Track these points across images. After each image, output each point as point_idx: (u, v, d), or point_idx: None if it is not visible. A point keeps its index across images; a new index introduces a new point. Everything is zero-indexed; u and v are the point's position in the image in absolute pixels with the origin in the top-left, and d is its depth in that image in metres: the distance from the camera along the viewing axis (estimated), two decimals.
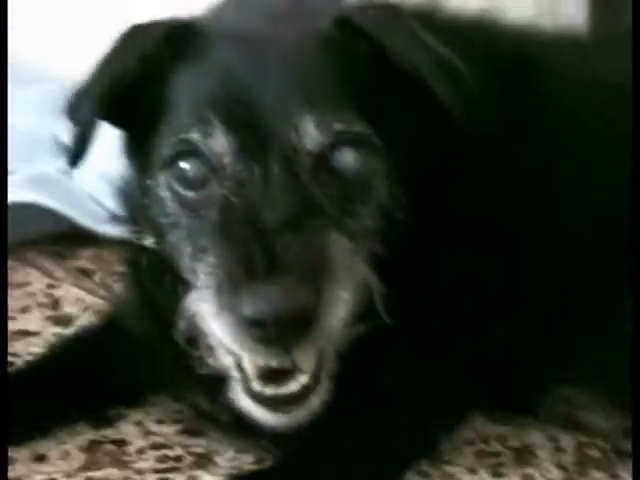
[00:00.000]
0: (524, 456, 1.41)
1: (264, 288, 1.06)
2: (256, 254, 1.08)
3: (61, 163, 2.23)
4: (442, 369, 1.37)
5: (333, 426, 1.32)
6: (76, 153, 1.25)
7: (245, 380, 1.17)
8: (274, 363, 1.13)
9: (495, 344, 1.40)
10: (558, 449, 1.42)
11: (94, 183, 2.11)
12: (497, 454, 1.41)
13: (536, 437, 1.45)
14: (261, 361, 1.14)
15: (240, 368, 1.18)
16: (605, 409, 1.47)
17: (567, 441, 1.44)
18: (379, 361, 1.30)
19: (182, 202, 1.20)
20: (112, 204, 1.94)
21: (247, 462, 1.39)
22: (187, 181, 1.19)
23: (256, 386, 1.16)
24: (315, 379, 1.17)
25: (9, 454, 1.37)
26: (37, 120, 2.38)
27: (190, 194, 1.19)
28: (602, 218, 1.41)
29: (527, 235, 1.39)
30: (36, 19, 2.70)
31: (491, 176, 1.37)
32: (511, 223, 1.38)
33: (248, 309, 1.06)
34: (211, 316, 1.12)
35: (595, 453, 1.42)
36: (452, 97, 1.21)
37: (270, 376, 1.15)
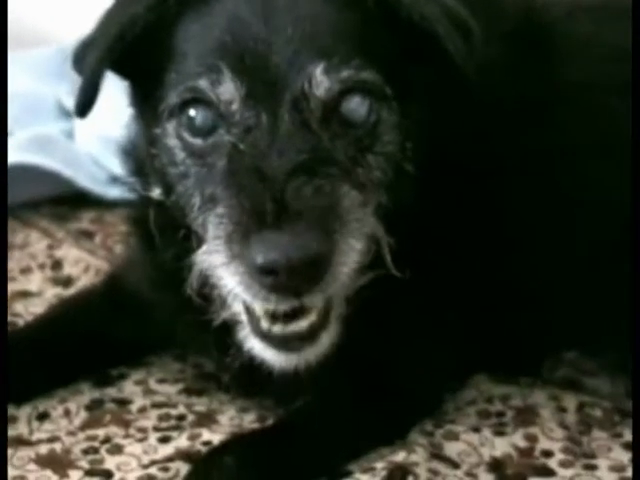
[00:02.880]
0: (527, 416, 1.40)
1: (274, 236, 1.05)
2: (265, 202, 1.07)
3: (62, 125, 2.23)
4: (446, 327, 1.36)
5: (335, 385, 1.32)
6: (84, 103, 1.23)
7: (254, 321, 1.16)
8: (284, 308, 1.12)
9: (501, 305, 1.40)
10: (561, 409, 1.42)
11: (95, 145, 2.10)
12: (500, 414, 1.41)
13: (539, 397, 1.44)
14: (272, 307, 1.13)
15: (249, 311, 1.17)
16: (608, 373, 1.47)
17: (570, 401, 1.44)
18: (384, 317, 1.29)
19: (190, 150, 1.19)
20: (113, 166, 1.94)
21: (249, 421, 1.39)
22: (195, 129, 1.18)
23: (264, 325, 1.15)
24: (324, 318, 1.16)
25: (11, 412, 1.37)
26: (38, 83, 2.36)
27: (198, 142, 1.18)
28: (613, 190, 1.39)
29: (537, 201, 1.38)
30: None
31: (504, 139, 1.36)
32: (522, 184, 1.37)
33: (259, 257, 1.05)
34: (222, 266, 1.11)
35: (597, 413, 1.41)
36: (460, 48, 1.19)
37: (279, 317, 1.14)
